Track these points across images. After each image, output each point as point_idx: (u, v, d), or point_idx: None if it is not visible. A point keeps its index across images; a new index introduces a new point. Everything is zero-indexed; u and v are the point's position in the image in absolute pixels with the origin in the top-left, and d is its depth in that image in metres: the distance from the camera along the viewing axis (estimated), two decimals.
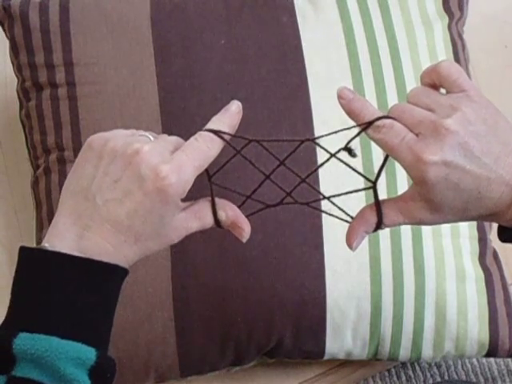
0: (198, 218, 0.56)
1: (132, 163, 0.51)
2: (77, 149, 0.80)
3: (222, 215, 0.57)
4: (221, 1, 0.84)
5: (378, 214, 0.56)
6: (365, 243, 0.79)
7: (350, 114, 0.56)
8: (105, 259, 0.51)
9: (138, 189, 0.51)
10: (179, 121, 0.79)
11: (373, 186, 0.56)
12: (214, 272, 0.78)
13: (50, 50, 0.82)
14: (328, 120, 0.81)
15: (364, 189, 0.57)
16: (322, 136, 0.56)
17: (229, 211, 0.57)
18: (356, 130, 0.55)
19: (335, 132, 0.55)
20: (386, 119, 0.54)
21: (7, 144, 0.96)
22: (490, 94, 1.04)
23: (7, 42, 0.85)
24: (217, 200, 0.57)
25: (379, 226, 0.56)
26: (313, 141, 0.56)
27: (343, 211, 0.59)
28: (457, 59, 0.88)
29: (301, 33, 0.83)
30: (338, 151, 0.56)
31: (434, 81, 0.56)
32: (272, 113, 0.81)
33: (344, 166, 0.56)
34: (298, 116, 0.81)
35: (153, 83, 0.80)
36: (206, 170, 0.55)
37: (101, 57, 0.81)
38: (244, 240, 0.58)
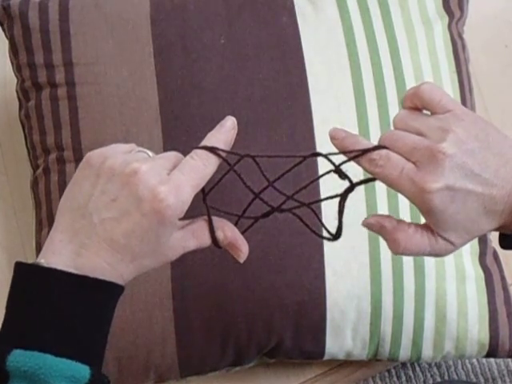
0: (196, 237, 0.56)
1: (130, 183, 0.51)
2: (76, 149, 0.80)
3: (220, 235, 0.57)
4: (221, 0, 0.84)
5: (339, 227, 0.57)
6: (365, 243, 0.79)
7: (345, 150, 0.56)
8: (101, 277, 0.51)
9: (135, 209, 0.51)
10: (179, 120, 0.79)
11: (343, 194, 0.57)
12: (213, 272, 0.78)
13: (50, 50, 0.82)
14: (328, 120, 0.81)
15: (339, 195, 0.57)
16: (320, 155, 0.56)
17: (227, 231, 0.57)
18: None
19: (332, 154, 0.56)
20: (381, 150, 0.54)
21: (7, 144, 0.96)
22: (490, 93, 1.05)
23: (7, 42, 0.85)
24: (215, 219, 0.57)
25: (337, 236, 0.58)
26: (307, 157, 0.57)
27: (320, 221, 0.60)
28: (457, 59, 0.88)
29: (301, 32, 0.83)
30: (328, 172, 0.57)
31: (416, 105, 0.56)
32: (272, 113, 0.80)
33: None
34: (298, 116, 0.81)
35: (152, 83, 0.80)
36: (202, 189, 0.55)
37: (100, 57, 0.81)
38: (241, 260, 0.58)
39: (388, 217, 0.56)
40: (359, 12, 0.85)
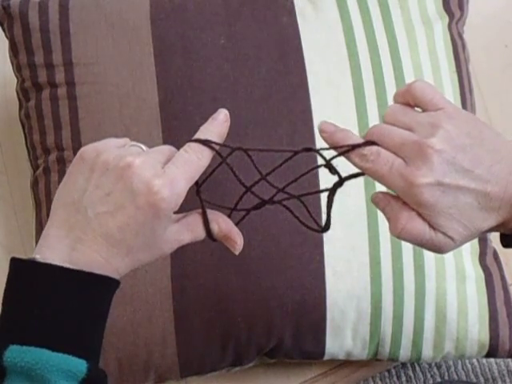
0: (190, 230, 0.56)
1: (124, 177, 0.51)
2: (76, 149, 0.79)
3: (214, 228, 0.57)
4: (220, 0, 0.84)
5: (327, 220, 0.58)
6: (365, 243, 0.79)
7: (334, 144, 0.56)
8: (96, 271, 0.51)
9: (130, 203, 0.51)
10: (179, 120, 0.79)
11: (332, 188, 0.57)
12: (213, 272, 0.78)
13: (50, 50, 0.82)
14: (328, 120, 0.80)
15: (328, 189, 0.58)
16: (311, 150, 0.56)
17: (222, 224, 0.57)
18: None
19: (324, 149, 0.56)
20: (371, 146, 0.54)
21: (7, 144, 0.96)
22: (490, 93, 1.05)
23: (7, 42, 0.85)
24: (209, 212, 0.57)
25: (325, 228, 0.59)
26: (299, 152, 0.57)
27: (310, 213, 0.60)
28: (457, 59, 0.88)
29: (301, 33, 0.83)
30: (319, 166, 0.57)
31: (408, 101, 0.56)
32: (272, 113, 0.80)
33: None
34: (298, 116, 0.81)
35: (152, 83, 0.80)
36: (196, 182, 0.55)
37: (100, 56, 0.81)
38: (236, 252, 0.58)
39: (397, 196, 0.56)
40: (359, 12, 0.85)
